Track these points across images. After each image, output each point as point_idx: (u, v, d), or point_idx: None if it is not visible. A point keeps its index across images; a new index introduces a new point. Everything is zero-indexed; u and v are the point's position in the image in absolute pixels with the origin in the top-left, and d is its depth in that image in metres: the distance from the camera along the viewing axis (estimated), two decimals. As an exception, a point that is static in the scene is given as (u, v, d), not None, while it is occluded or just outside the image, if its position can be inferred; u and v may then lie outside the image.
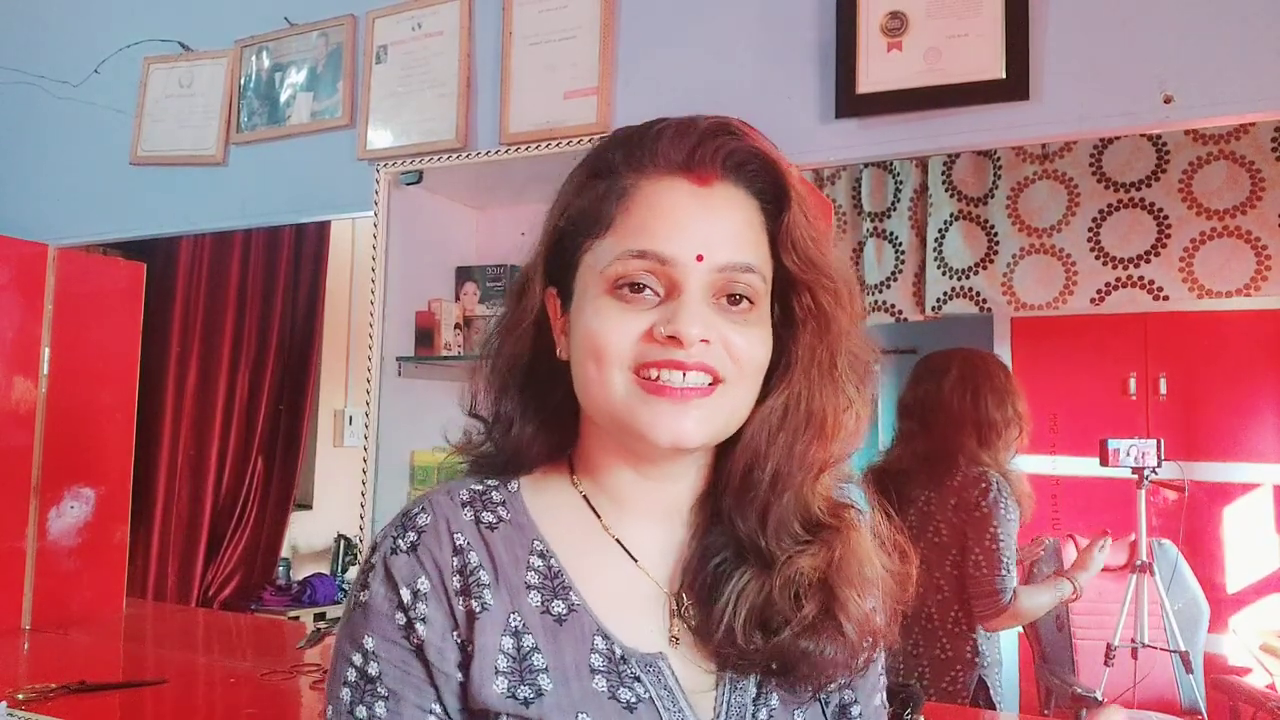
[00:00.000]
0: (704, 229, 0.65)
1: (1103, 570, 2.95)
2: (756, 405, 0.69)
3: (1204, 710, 2.71)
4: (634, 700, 0.65)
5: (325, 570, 3.86)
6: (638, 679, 0.66)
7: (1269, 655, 2.89)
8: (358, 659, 0.65)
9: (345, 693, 0.66)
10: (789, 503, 0.69)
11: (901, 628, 0.75)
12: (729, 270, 0.65)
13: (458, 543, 0.67)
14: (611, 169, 0.69)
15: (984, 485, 1.97)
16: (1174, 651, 2.65)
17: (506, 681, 0.64)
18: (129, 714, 1.76)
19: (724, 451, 0.71)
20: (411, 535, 0.67)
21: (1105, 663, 2.65)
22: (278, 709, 1.80)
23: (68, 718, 1.67)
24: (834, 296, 0.69)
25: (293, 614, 3.48)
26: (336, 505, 3.94)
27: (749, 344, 0.66)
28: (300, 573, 3.83)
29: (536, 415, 0.73)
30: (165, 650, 2.34)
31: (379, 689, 0.65)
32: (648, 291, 0.65)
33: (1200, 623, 2.88)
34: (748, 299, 0.66)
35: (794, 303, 0.69)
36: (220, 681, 1.99)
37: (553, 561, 0.69)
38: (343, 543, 3.86)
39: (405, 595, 0.65)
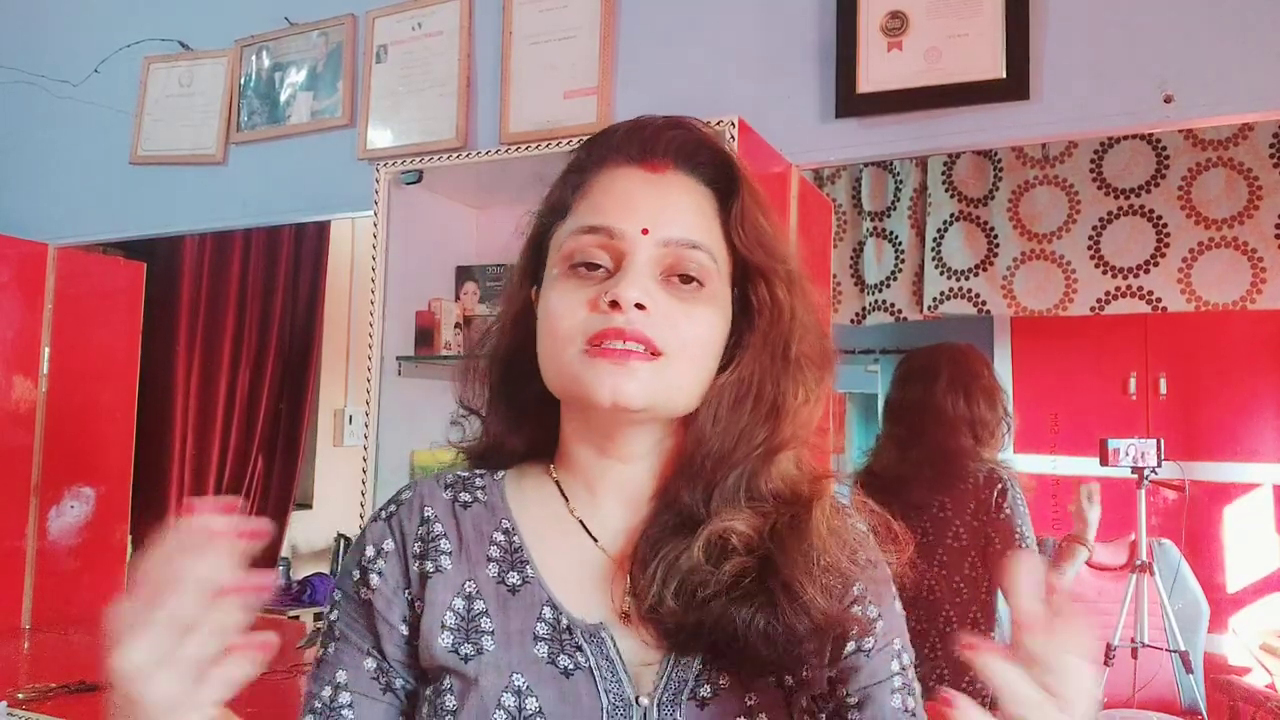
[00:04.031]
0: (652, 206, 0.69)
1: (1103, 570, 2.97)
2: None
3: (1204, 710, 2.71)
4: (571, 667, 0.68)
5: (325, 570, 3.85)
6: (579, 648, 0.68)
7: (1269, 655, 2.89)
8: (328, 610, 0.76)
9: (320, 638, 0.76)
10: (733, 482, 0.70)
11: (917, 630, 0.75)
12: (675, 245, 0.68)
13: (426, 514, 0.74)
14: (579, 166, 0.75)
15: (1001, 486, 1.98)
16: (1174, 651, 2.65)
17: (452, 638, 0.69)
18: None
19: (680, 434, 0.74)
20: (392, 507, 0.76)
21: (1105, 663, 2.65)
22: (278, 709, 1.79)
23: (68, 718, 1.67)
24: (787, 285, 0.72)
25: (293, 614, 3.48)
26: (336, 505, 3.94)
27: (691, 319, 0.68)
28: (300, 572, 3.82)
29: (511, 408, 0.78)
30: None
31: (334, 632, 0.74)
32: (601, 269, 0.69)
33: (1200, 623, 2.88)
34: (697, 280, 0.69)
35: (750, 293, 0.73)
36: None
37: (515, 538, 0.74)
38: (343, 542, 3.85)
39: (369, 552, 0.74)
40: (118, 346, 2.50)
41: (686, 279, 0.69)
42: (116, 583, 2.51)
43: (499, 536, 0.74)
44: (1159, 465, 2.68)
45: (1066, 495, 3.46)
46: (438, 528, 0.74)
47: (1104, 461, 2.69)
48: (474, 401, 0.80)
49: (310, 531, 3.94)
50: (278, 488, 3.72)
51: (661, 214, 0.69)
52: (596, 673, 0.68)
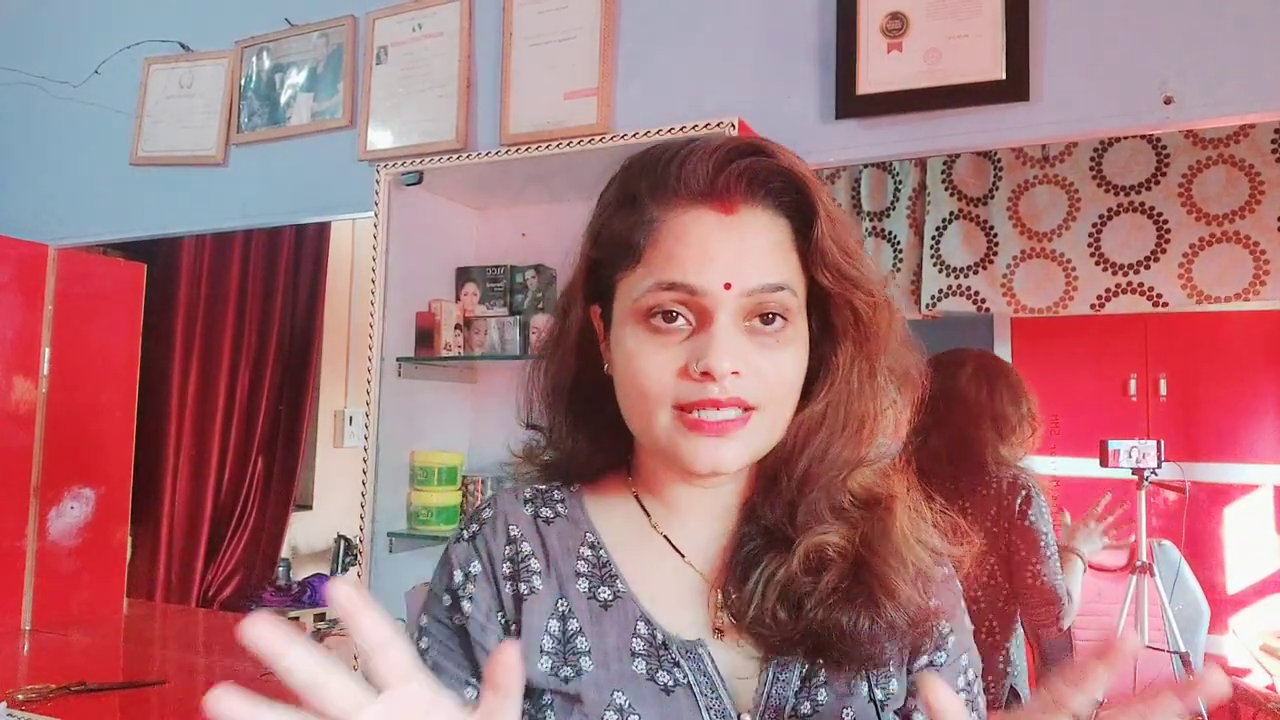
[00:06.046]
0: (731, 257, 0.66)
1: (1102, 571, 2.97)
2: (797, 411, 0.70)
3: (1204, 711, 2.71)
4: (671, 684, 0.67)
5: (325, 570, 3.86)
6: (677, 664, 0.68)
7: (1269, 656, 2.89)
8: (416, 635, 0.74)
9: None
10: (816, 498, 0.70)
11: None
12: (758, 293, 0.66)
13: (512, 533, 0.73)
14: (637, 198, 0.70)
15: (1025, 493, 1.95)
16: (1174, 652, 2.65)
17: (550, 661, 0.69)
18: (129, 714, 1.76)
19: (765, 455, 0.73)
20: (474, 527, 0.75)
21: (1105, 663, 2.65)
22: (278, 709, 1.79)
23: (68, 718, 1.67)
24: (871, 308, 0.70)
25: (293, 614, 3.48)
26: (336, 505, 3.94)
27: (779, 369, 0.67)
28: (300, 573, 3.83)
29: (588, 430, 0.76)
30: (165, 650, 2.34)
31: (427, 661, 0.72)
32: (680, 320, 0.66)
33: (1200, 623, 2.88)
34: (780, 316, 0.67)
35: (832, 315, 0.70)
36: (220, 681, 1.99)
37: (602, 553, 0.73)
38: (343, 543, 3.85)
39: (458, 577, 0.72)
40: (118, 347, 2.50)
41: (769, 318, 0.67)
42: (117, 583, 2.51)
43: (585, 551, 0.73)
44: (1159, 466, 2.67)
45: (1067, 496, 3.46)
46: (525, 547, 0.73)
47: (1104, 463, 2.69)
48: (540, 419, 0.78)
49: (310, 532, 3.94)
50: (278, 488, 3.72)
51: (741, 263, 0.66)
52: (696, 689, 0.67)
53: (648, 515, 0.75)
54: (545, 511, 0.75)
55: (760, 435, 0.68)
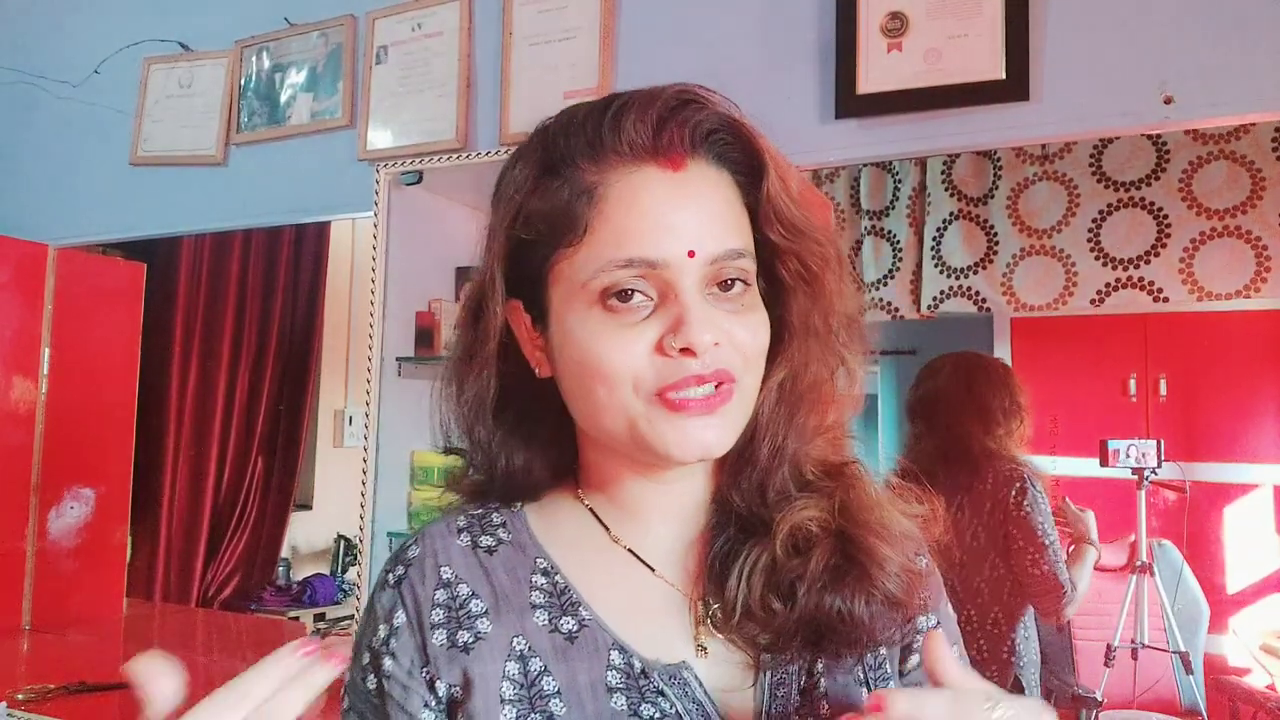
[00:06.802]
0: (689, 222, 0.60)
1: (1103, 570, 2.97)
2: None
3: (1204, 710, 2.71)
4: (657, 716, 0.61)
5: (325, 570, 3.86)
6: (661, 693, 0.61)
7: (1269, 655, 2.89)
8: (346, 684, 0.66)
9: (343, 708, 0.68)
10: (786, 472, 0.65)
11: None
12: (721, 260, 0.60)
13: (444, 576, 0.65)
14: (567, 161, 0.62)
15: (1019, 485, 1.99)
16: (1174, 652, 2.65)
17: (515, 710, 0.60)
18: (129, 714, 1.76)
19: None
20: (400, 569, 0.66)
21: (1105, 663, 2.65)
22: (277, 709, 1.79)
23: (68, 718, 1.67)
24: (821, 258, 0.65)
25: (293, 614, 3.48)
26: (336, 505, 3.94)
27: (752, 334, 0.62)
28: (300, 573, 3.83)
29: (522, 443, 0.68)
30: (165, 650, 2.34)
31: (349, 717, 0.66)
32: (638, 297, 0.59)
33: (1200, 623, 2.89)
34: (741, 281, 0.62)
35: (779, 270, 0.65)
36: (220, 681, 1.98)
37: (558, 578, 0.65)
38: (343, 543, 3.86)
39: (382, 631, 0.64)
40: (118, 347, 2.50)
41: (728, 284, 0.61)
42: (116, 583, 2.51)
43: (538, 579, 0.65)
44: (1159, 466, 2.68)
45: (1067, 496, 3.46)
46: (463, 589, 0.64)
47: (1104, 462, 2.69)
48: (461, 441, 0.69)
49: (310, 532, 3.94)
50: (278, 488, 3.72)
51: (701, 228, 0.60)
52: (686, 718, 0.61)
53: (605, 528, 0.67)
54: (485, 540, 0.67)
55: (742, 410, 0.62)
